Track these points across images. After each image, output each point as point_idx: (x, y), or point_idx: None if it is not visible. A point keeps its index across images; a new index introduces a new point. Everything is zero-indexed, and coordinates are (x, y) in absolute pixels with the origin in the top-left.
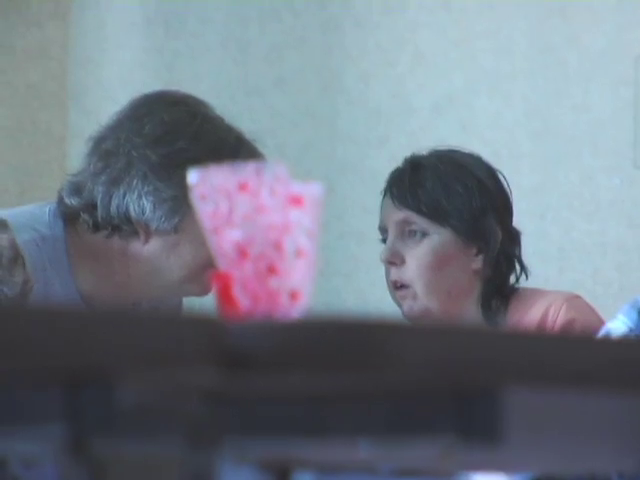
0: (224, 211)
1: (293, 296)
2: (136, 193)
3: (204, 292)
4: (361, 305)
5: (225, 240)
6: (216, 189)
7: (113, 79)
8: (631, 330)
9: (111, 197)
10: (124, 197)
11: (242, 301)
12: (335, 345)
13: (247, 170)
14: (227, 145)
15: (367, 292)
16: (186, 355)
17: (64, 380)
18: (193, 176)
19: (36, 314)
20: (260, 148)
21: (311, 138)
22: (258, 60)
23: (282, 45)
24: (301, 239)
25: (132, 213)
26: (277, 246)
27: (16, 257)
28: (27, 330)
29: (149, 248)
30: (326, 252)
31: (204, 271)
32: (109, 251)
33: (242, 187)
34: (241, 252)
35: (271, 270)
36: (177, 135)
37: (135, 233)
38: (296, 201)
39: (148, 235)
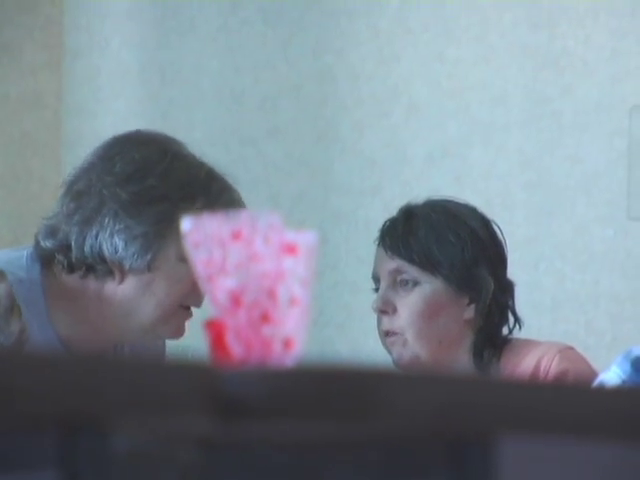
0: (218, 259)
1: (287, 344)
2: (108, 231)
3: (177, 334)
4: (354, 354)
5: (219, 288)
6: (210, 237)
7: (107, 128)
8: (624, 382)
9: (85, 237)
10: (97, 236)
11: (235, 349)
12: (328, 393)
13: (241, 218)
14: (197, 181)
15: (360, 342)
16: (180, 402)
17: (57, 427)
18: (186, 224)
19: (29, 361)
20: (233, 182)
21: (305, 187)
22: (252, 109)
23: (276, 95)
24: (295, 287)
25: (105, 252)
26: (271, 294)
27: (12, 306)
28: (20, 377)
29: (124, 288)
30: (319, 301)
31: (178, 312)
32: (85, 292)
33: (236, 235)
34: (235, 300)
35: (265, 318)
36: (147, 172)
37: (110, 273)
38: (290, 249)
39: (122, 274)
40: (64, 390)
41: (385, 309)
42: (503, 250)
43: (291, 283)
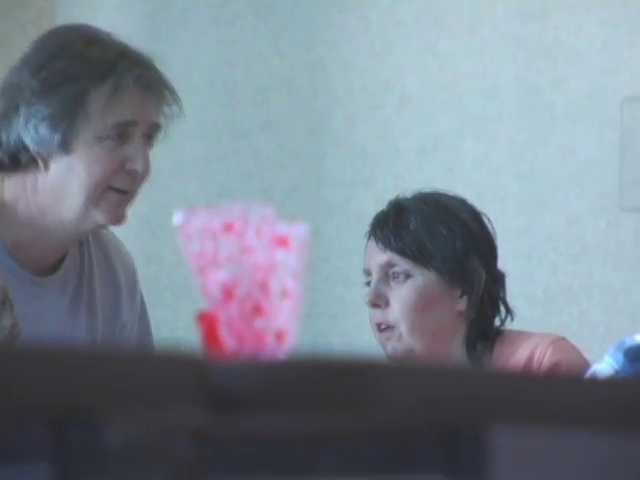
0: (210, 251)
1: (279, 336)
2: (23, 120)
3: (114, 219)
4: (347, 347)
5: (211, 280)
6: (201, 229)
7: None
8: (617, 372)
9: (9, 129)
10: (17, 127)
11: (228, 341)
12: (321, 385)
13: (233, 211)
14: (108, 61)
15: (353, 334)
16: (172, 395)
17: (50, 420)
18: (178, 216)
19: (22, 354)
20: (156, 62)
21: (297, 180)
22: (244, 102)
23: (268, 87)
24: (287, 280)
25: (26, 140)
26: (263, 286)
27: (4, 301)
28: (13, 370)
29: (51, 176)
30: (312, 294)
31: (106, 194)
32: (23, 193)
33: (228, 228)
34: (227, 293)
35: (257, 310)
36: (58, 57)
37: (35, 162)
38: (282, 242)
39: (45, 162)
40: (56, 383)
41: (378, 302)
42: (493, 241)
43: (283, 275)
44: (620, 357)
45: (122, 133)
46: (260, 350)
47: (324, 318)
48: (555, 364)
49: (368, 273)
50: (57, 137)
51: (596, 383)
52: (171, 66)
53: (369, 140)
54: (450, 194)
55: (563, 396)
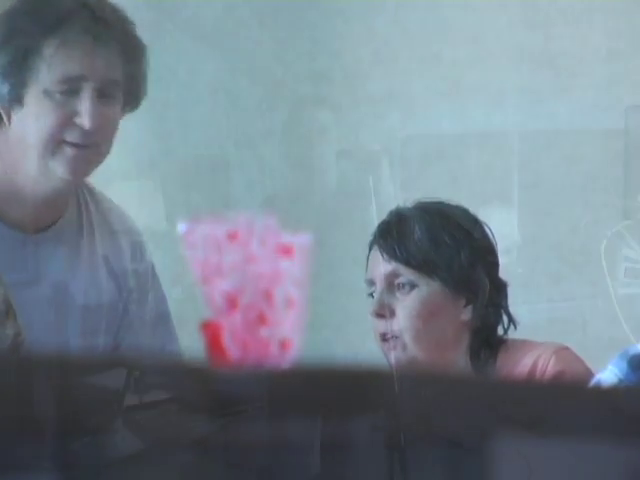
0: (214, 261)
1: (283, 345)
2: None
3: (72, 173)
4: (351, 356)
5: (215, 289)
6: (206, 239)
7: None
8: (620, 381)
9: None
10: None
11: (232, 350)
12: (324, 394)
13: (237, 220)
14: (59, 14)
15: (357, 344)
16: (177, 402)
17: (54, 429)
18: (183, 226)
19: (25, 363)
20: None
21: (301, 189)
22: (248, 111)
23: (272, 96)
24: (291, 289)
25: None
26: (267, 296)
27: (7, 310)
28: (17, 379)
29: (14, 130)
30: (316, 304)
31: (61, 147)
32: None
33: (232, 237)
34: (231, 302)
35: (261, 320)
36: (19, 13)
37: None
38: (286, 251)
39: (8, 115)
40: (59, 391)
41: (383, 313)
42: (495, 251)
43: (287, 285)
44: (624, 366)
45: (71, 88)
46: (264, 359)
47: (328, 329)
48: (558, 373)
49: (371, 283)
50: (6, 89)
51: (600, 391)
52: (175, 75)
53: (373, 149)
54: (451, 203)
55: (567, 405)
